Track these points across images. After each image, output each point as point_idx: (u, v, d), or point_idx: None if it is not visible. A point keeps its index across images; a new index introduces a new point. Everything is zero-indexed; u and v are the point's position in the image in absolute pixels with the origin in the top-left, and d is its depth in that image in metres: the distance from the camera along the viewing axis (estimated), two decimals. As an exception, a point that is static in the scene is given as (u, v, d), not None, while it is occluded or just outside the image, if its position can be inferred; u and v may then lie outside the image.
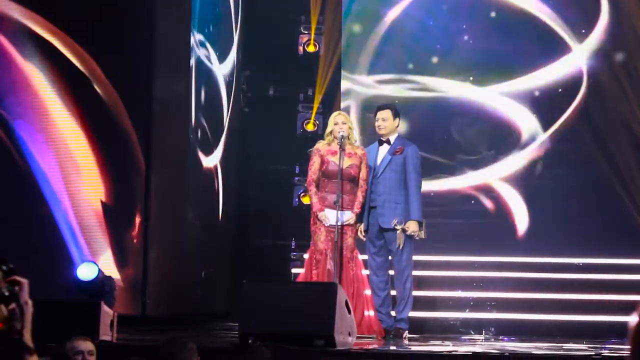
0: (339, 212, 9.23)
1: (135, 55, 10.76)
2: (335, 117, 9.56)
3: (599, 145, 11.97)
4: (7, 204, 10.57)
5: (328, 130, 9.57)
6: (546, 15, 12.26)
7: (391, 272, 9.65)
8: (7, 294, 3.02)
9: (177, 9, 11.01)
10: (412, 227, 9.40)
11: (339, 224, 9.21)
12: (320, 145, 9.61)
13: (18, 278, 3.00)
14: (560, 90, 12.13)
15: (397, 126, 9.73)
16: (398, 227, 9.38)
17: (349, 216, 9.36)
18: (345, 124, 9.45)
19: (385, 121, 9.64)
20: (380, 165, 9.59)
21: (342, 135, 9.34)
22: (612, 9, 12.13)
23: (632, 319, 1.41)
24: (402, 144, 9.67)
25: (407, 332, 9.52)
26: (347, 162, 9.39)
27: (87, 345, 6.01)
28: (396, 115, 9.71)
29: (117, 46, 10.67)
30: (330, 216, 9.31)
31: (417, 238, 9.47)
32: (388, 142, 9.67)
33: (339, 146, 9.35)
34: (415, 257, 10.00)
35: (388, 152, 9.62)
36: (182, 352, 5.53)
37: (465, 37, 12.31)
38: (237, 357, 4.76)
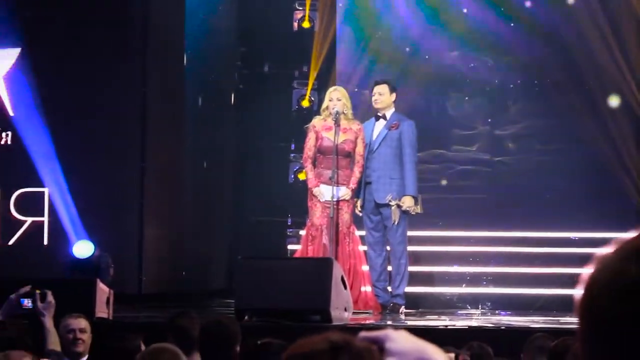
0: (334, 187, 9.21)
1: (129, 36, 10.74)
2: (330, 93, 9.54)
3: (595, 119, 11.96)
4: (2, 181, 10.56)
5: (324, 105, 9.55)
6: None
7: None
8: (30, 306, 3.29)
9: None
10: (407, 202, 9.39)
11: (334, 199, 9.20)
12: (316, 121, 9.59)
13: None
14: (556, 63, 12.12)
15: (394, 101, 9.70)
16: (392, 202, 9.37)
17: (344, 192, 9.34)
18: (340, 100, 9.41)
19: (382, 95, 9.61)
20: (375, 140, 9.56)
21: (337, 111, 9.31)
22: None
23: (577, 292, 1.41)
24: (398, 119, 9.65)
25: (403, 307, 9.52)
26: (341, 138, 9.37)
27: (79, 323, 6.03)
28: (393, 90, 9.68)
29: (111, 27, 10.66)
30: (325, 192, 9.30)
31: (412, 213, 9.46)
32: (384, 117, 9.64)
33: (333, 122, 9.32)
34: (411, 233, 9.99)
35: (384, 127, 9.60)
36: (190, 324, 5.57)
37: (464, 10, 12.27)
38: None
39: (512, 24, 12.18)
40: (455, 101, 12.32)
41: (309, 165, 9.49)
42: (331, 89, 9.73)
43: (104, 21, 10.63)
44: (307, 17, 12.57)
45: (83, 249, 9.93)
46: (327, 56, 12.46)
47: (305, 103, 12.46)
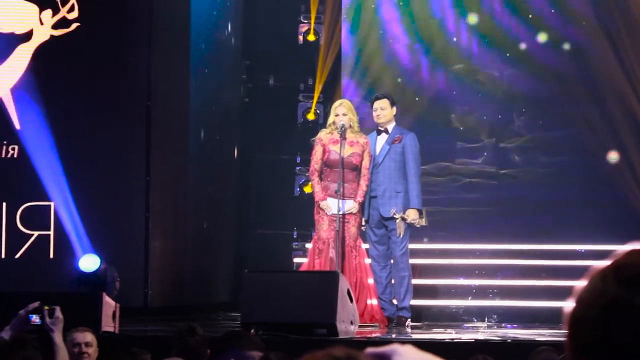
0: (341, 201, 9.22)
1: (133, 44, 10.76)
2: (336, 108, 9.53)
3: (600, 130, 11.96)
4: (9, 195, 10.58)
5: (330, 120, 9.55)
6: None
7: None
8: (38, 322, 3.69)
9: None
10: (411, 215, 9.40)
11: (341, 213, 9.20)
12: (323, 134, 9.59)
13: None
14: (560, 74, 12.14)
15: (395, 115, 9.73)
16: (397, 215, 9.38)
17: (350, 205, 9.35)
18: (345, 115, 9.41)
19: (384, 110, 9.63)
20: (379, 154, 9.59)
21: (343, 125, 9.32)
22: None
23: (567, 304, 1.46)
24: (401, 132, 9.67)
25: (409, 320, 9.52)
26: (348, 151, 9.38)
27: (84, 337, 6.02)
28: (393, 103, 9.71)
29: (117, 40, 10.69)
30: (332, 205, 9.30)
31: (417, 226, 9.48)
32: (386, 131, 9.66)
33: (340, 135, 9.33)
34: (417, 245, 9.99)
35: (386, 142, 9.62)
36: (194, 339, 5.56)
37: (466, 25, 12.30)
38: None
39: (517, 38, 12.21)
40: (461, 114, 12.32)
41: (315, 179, 9.50)
42: (336, 103, 9.73)
43: (108, 35, 10.66)
44: (312, 30, 12.59)
45: (89, 262, 9.93)
46: (332, 69, 12.47)
47: (310, 116, 12.47)
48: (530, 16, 12.21)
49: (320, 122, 11.97)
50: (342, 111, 9.44)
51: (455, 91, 12.28)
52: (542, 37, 12.16)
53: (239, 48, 12.75)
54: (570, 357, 1.44)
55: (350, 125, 9.39)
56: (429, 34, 12.35)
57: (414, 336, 8.75)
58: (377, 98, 9.78)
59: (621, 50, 12.00)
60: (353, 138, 9.43)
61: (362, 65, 12.39)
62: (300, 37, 12.65)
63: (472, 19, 12.25)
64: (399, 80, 12.24)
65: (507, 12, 12.23)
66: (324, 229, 9.33)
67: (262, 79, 12.87)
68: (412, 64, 12.34)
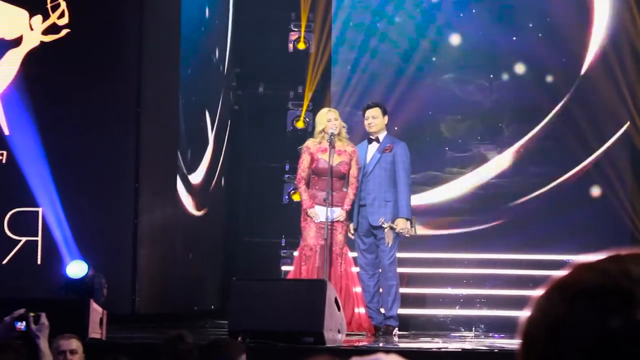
0: (329, 209, 9.22)
1: (123, 50, 10.76)
2: (326, 114, 9.53)
3: (586, 141, 11.98)
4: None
5: (319, 127, 9.52)
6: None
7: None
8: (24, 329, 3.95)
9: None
10: (400, 224, 9.41)
11: (329, 220, 9.21)
12: (310, 142, 9.59)
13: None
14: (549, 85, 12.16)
15: (386, 124, 9.74)
16: (385, 224, 9.39)
17: (338, 213, 9.35)
18: (337, 120, 9.44)
19: (375, 119, 9.64)
20: (369, 163, 9.59)
21: (332, 133, 9.32)
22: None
23: (523, 314, 1.46)
24: (392, 141, 9.68)
25: (396, 329, 9.53)
26: (337, 160, 9.38)
27: (69, 344, 5.99)
28: (385, 112, 9.72)
29: (106, 47, 10.68)
30: (320, 213, 9.30)
31: (407, 235, 9.48)
32: (377, 140, 9.66)
33: (329, 143, 9.33)
34: (405, 255, 9.98)
35: (377, 151, 9.62)
36: (183, 347, 5.55)
37: (458, 32, 12.33)
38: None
39: (506, 46, 12.24)
40: (450, 123, 12.34)
41: (302, 186, 9.50)
42: (325, 110, 9.73)
43: (98, 42, 10.66)
44: (302, 39, 12.60)
45: (77, 269, 9.91)
46: (322, 77, 12.48)
47: (299, 124, 12.47)
48: (514, 38, 12.24)
49: (309, 131, 11.97)
50: (333, 116, 9.45)
51: (444, 100, 12.30)
52: (519, 69, 12.21)
53: (229, 55, 12.75)
54: None
55: (340, 133, 9.40)
56: (417, 44, 12.36)
57: (401, 345, 8.76)
58: (369, 107, 9.78)
59: (618, 64, 12.04)
60: (341, 147, 9.44)
61: (352, 74, 12.40)
62: (291, 46, 12.66)
63: (456, 39, 12.30)
64: (389, 89, 12.25)
65: (495, 28, 12.26)
66: (311, 236, 9.34)
67: (252, 87, 12.88)
68: (402, 73, 12.35)
